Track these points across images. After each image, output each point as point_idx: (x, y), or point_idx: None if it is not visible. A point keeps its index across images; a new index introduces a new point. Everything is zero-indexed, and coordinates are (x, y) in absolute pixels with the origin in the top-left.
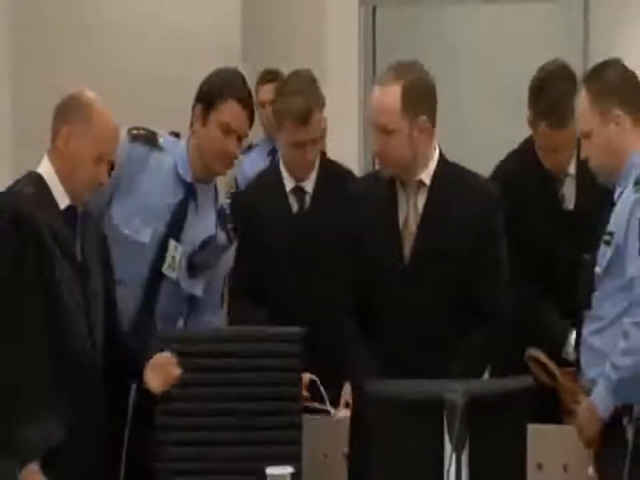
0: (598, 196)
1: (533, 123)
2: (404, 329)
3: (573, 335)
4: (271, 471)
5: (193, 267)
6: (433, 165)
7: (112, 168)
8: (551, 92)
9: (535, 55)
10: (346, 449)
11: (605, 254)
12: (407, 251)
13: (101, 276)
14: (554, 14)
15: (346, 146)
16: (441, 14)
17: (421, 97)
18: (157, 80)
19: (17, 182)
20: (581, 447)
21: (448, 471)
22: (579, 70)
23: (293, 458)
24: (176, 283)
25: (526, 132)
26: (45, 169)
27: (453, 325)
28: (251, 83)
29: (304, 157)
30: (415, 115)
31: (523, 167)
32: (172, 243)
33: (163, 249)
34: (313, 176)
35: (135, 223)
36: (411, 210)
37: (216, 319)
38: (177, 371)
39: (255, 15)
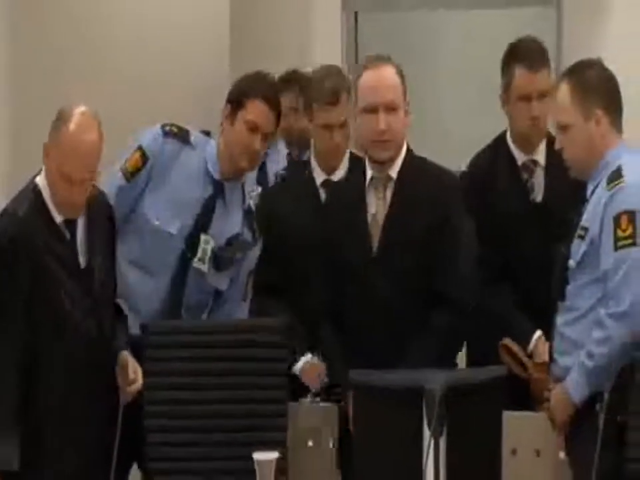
0: (567, 188)
1: (509, 79)
2: (375, 317)
3: (536, 335)
4: (257, 456)
5: (218, 262)
6: (400, 160)
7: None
8: (525, 42)
9: None
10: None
11: (579, 248)
12: (375, 242)
13: (109, 270)
14: (532, 19)
15: None
16: (421, 19)
17: (404, 82)
18: (146, 79)
19: (16, 197)
20: (553, 432)
21: (427, 456)
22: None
23: (279, 444)
24: (204, 275)
25: None
26: (42, 180)
27: (420, 312)
28: None
29: (333, 140)
30: (405, 96)
31: (495, 160)
32: (203, 237)
33: (192, 242)
34: (343, 169)
35: (165, 215)
36: (380, 204)
37: (239, 311)
38: (137, 383)
39: (242, 19)
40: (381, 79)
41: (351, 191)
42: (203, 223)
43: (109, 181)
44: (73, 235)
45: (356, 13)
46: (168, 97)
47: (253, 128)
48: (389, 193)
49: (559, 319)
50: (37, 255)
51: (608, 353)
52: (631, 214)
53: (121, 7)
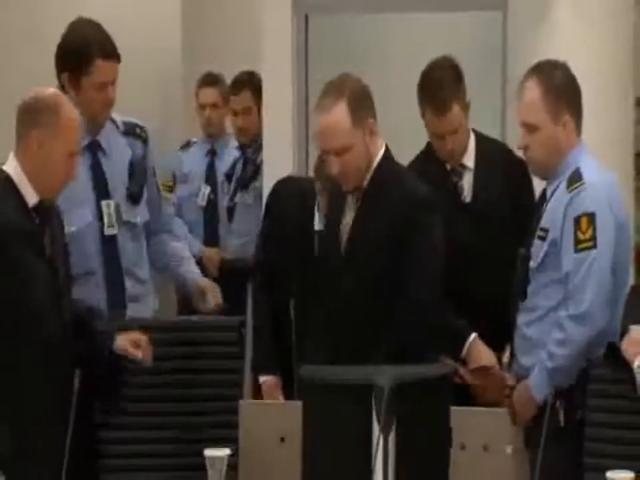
0: (495, 188)
1: (422, 114)
2: (340, 313)
3: (470, 338)
4: (209, 452)
5: (133, 196)
6: (374, 166)
7: None
8: (431, 79)
9: (464, 63)
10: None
11: (539, 249)
12: (343, 242)
13: (64, 266)
14: (479, 23)
15: (280, 150)
16: (372, 22)
17: (363, 103)
18: None
19: None
20: (500, 428)
21: (376, 451)
22: (498, 76)
23: (230, 441)
24: (123, 231)
25: None
26: (12, 169)
27: (381, 312)
28: (191, 84)
29: None
30: (363, 121)
31: (427, 165)
32: (103, 204)
33: (101, 215)
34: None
35: (74, 216)
36: (353, 207)
37: (165, 214)
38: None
39: (194, 20)
40: (328, 126)
41: (337, 198)
42: (101, 189)
43: None
44: (41, 223)
45: (306, 15)
46: (123, 96)
47: (103, 86)
48: (359, 202)
49: (520, 319)
50: (4, 237)
51: (568, 354)
52: (590, 216)
53: (76, 8)
